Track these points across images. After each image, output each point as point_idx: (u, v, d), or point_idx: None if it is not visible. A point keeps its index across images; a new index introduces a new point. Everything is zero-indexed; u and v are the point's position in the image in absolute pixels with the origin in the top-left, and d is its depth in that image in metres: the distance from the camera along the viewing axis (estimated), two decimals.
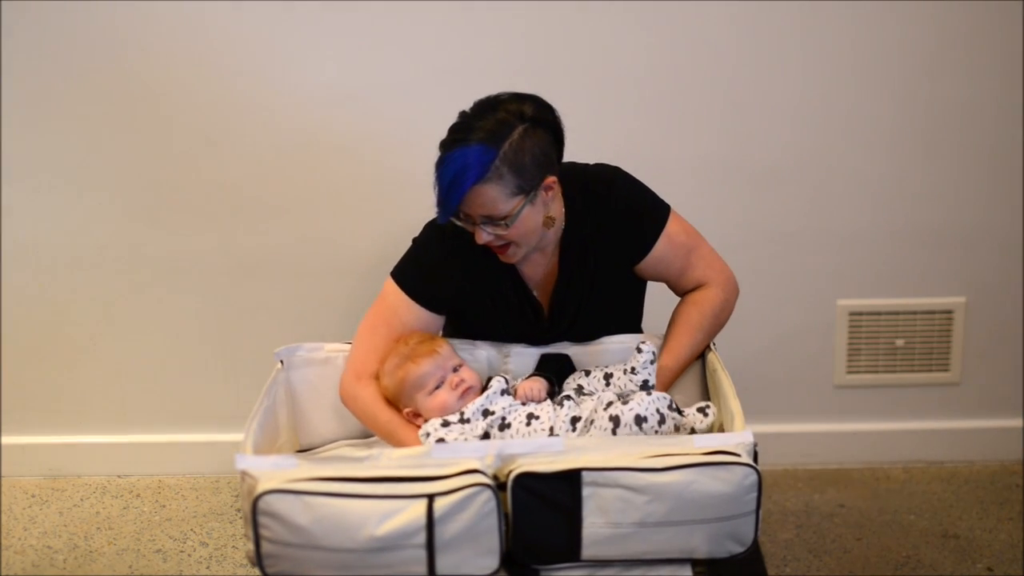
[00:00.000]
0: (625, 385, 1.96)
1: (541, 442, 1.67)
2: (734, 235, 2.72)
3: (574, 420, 1.86)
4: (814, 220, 2.79)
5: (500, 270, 2.03)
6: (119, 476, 2.95)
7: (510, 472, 1.62)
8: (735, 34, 2.65)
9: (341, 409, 2.07)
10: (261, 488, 1.59)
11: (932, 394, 2.92)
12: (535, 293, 2.08)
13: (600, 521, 1.63)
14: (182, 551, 2.62)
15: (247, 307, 2.86)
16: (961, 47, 2.66)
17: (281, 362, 2.08)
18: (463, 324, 2.12)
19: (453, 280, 2.04)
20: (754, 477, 1.63)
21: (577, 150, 2.05)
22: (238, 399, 2.86)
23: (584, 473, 1.61)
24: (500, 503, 1.60)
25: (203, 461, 2.94)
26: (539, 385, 1.96)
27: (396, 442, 1.96)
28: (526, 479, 1.61)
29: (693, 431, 1.86)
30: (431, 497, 1.58)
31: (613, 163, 2.09)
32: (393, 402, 1.99)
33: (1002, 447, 2.93)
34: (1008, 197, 2.77)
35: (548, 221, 1.96)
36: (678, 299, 2.13)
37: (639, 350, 1.96)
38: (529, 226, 1.92)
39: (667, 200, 2.09)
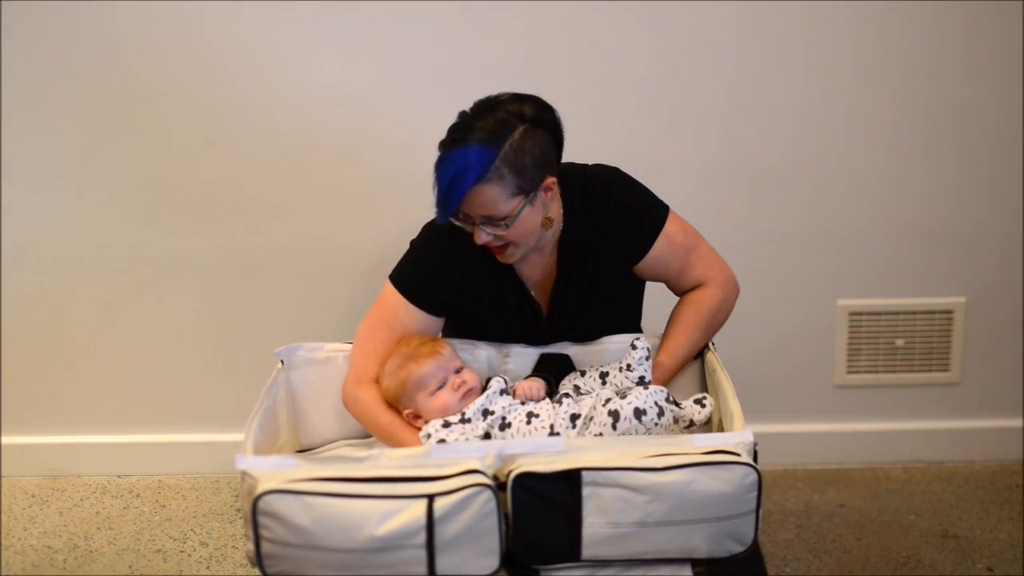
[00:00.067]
0: (621, 383, 1.96)
1: (541, 442, 1.67)
2: (734, 235, 2.72)
3: (574, 417, 1.86)
4: (814, 220, 2.79)
5: (498, 271, 2.03)
6: (119, 476, 2.96)
7: (510, 472, 1.62)
8: (735, 34, 2.65)
9: (341, 409, 2.07)
10: (261, 488, 1.59)
11: (932, 394, 2.92)
12: (533, 294, 2.08)
13: (600, 521, 1.63)
14: (182, 551, 2.62)
15: (247, 307, 2.86)
16: (961, 47, 2.67)
17: (282, 362, 2.08)
18: (462, 325, 2.12)
19: (452, 282, 2.04)
20: (754, 476, 1.63)
21: (577, 150, 2.05)
22: (238, 399, 2.86)
23: (584, 473, 1.61)
24: (500, 503, 1.60)
25: (203, 461, 2.94)
26: (537, 385, 1.96)
27: (396, 444, 1.96)
28: (526, 479, 1.61)
29: (691, 423, 1.87)
30: (431, 497, 1.58)
31: (613, 163, 2.09)
32: (394, 404, 1.99)
33: (1002, 447, 2.93)
34: (1008, 197, 2.77)
35: (547, 222, 1.96)
36: (677, 299, 2.13)
37: (634, 347, 1.96)
38: (528, 227, 1.92)
39: (667, 200, 2.09)
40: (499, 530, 1.61)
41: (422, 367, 1.94)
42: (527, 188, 1.88)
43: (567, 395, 1.92)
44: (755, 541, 1.68)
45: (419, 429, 1.93)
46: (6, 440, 2.94)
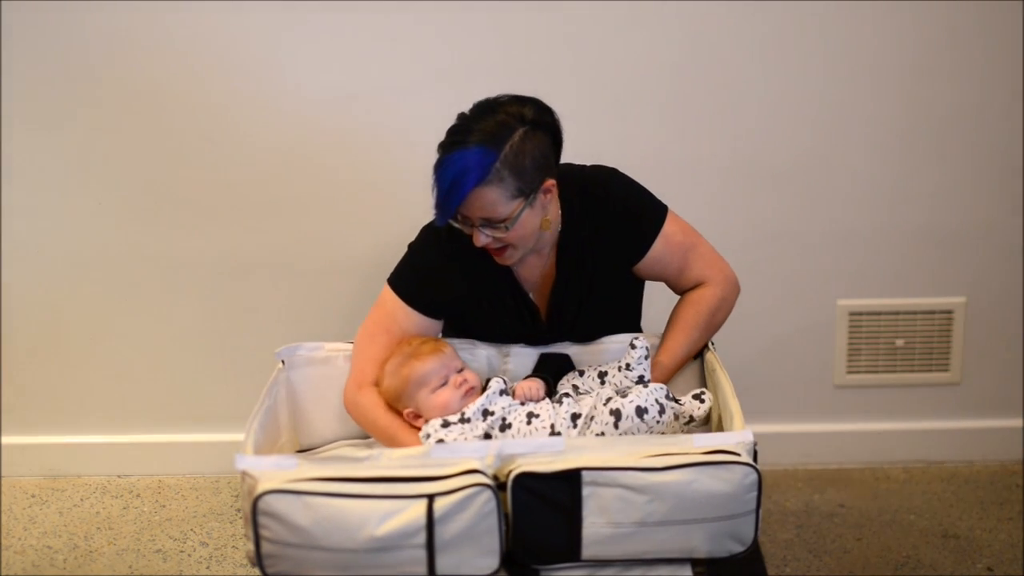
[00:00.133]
0: (621, 382, 1.97)
1: (541, 442, 1.67)
2: (734, 235, 2.72)
3: (574, 416, 1.86)
4: (814, 220, 2.79)
5: (496, 273, 2.03)
6: (119, 476, 2.95)
7: (510, 472, 1.62)
8: (735, 34, 2.65)
9: (342, 409, 2.07)
10: (261, 488, 1.59)
11: (932, 394, 2.92)
12: (532, 296, 2.08)
13: (600, 521, 1.63)
14: (182, 551, 2.62)
15: (247, 307, 2.86)
16: (962, 47, 2.67)
17: (282, 362, 2.08)
18: (461, 327, 2.12)
19: (450, 284, 2.04)
20: (754, 476, 1.63)
21: (577, 151, 2.05)
22: (238, 399, 2.84)
23: (584, 473, 1.61)
24: (500, 503, 1.60)
25: (203, 461, 2.94)
26: (536, 385, 1.96)
27: (396, 445, 1.96)
28: (526, 479, 1.61)
29: (691, 419, 1.88)
30: (431, 497, 1.58)
31: (612, 164, 2.09)
32: (394, 403, 1.99)
33: (1002, 447, 2.93)
34: (1008, 197, 2.77)
35: (545, 223, 1.96)
36: (677, 298, 2.13)
37: (632, 346, 1.97)
38: (528, 229, 1.92)
39: (667, 201, 2.09)
40: (499, 530, 1.61)
41: (425, 364, 1.94)
42: (527, 190, 1.88)
43: (566, 395, 1.92)
44: (755, 541, 1.68)
45: (419, 430, 1.93)
46: (6, 440, 2.94)
